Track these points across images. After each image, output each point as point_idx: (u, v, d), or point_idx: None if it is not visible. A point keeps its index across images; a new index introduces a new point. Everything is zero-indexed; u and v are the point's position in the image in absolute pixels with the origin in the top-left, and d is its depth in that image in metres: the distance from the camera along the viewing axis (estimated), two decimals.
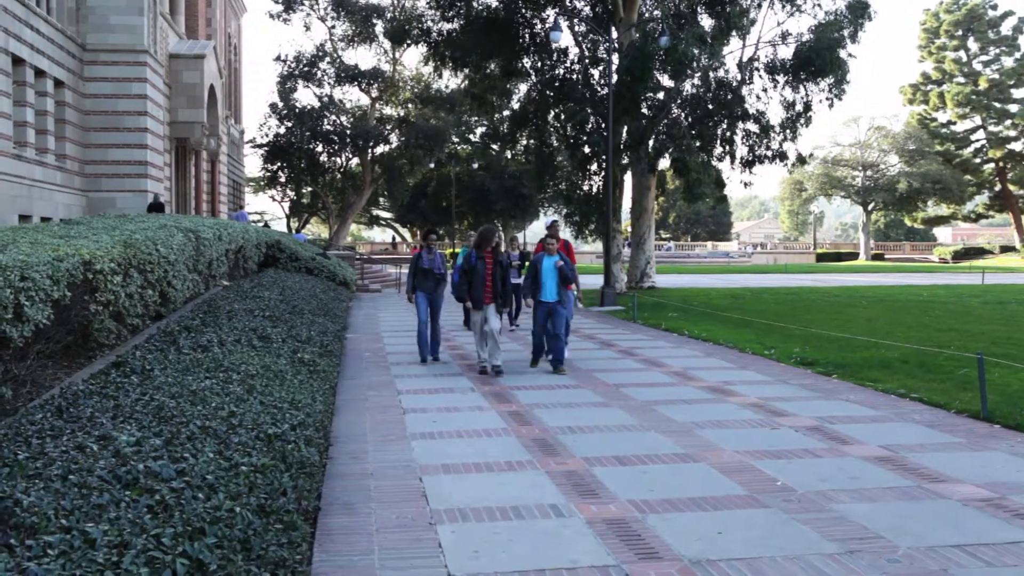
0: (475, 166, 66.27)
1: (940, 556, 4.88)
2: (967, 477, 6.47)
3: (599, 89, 28.46)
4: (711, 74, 28.15)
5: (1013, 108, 76.20)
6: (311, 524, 5.21)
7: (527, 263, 16.32)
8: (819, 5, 28.70)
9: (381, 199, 69.82)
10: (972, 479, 6.41)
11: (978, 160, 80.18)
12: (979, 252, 76.20)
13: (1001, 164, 78.18)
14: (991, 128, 78.38)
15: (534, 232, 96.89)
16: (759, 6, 29.43)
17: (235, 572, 3.53)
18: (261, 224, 42.45)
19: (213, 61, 32.03)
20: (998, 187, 79.62)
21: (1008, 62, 76.93)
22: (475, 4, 28.58)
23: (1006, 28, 77.29)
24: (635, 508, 5.75)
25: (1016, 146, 77.92)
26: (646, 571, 4.67)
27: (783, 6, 28.96)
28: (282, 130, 54.36)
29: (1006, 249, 77.04)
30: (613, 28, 28.30)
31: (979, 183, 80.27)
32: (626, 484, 6.30)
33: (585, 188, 30.02)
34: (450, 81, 53.11)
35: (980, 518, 5.55)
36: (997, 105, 76.77)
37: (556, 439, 7.73)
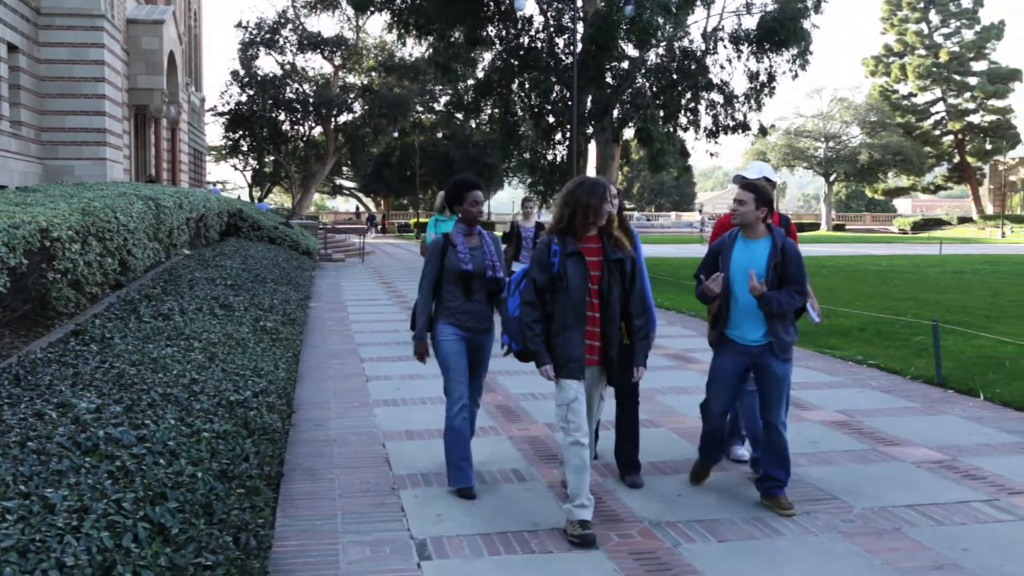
0: (439, 135, 66.00)
1: (893, 516, 5.00)
2: (920, 440, 6.61)
3: (564, 58, 28.34)
4: (676, 44, 28.12)
5: (972, 81, 77.02)
6: (274, 489, 5.22)
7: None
8: None
9: (344, 168, 69.35)
10: (925, 442, 6.56)
11: (938, 132, 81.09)
12: (937, 223, 77.18)
13: (960, 136, 79.14)
14: (951, 100, 79.23)
15: (499, 202, 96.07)
16: None
17: (197, 535, 3.53)
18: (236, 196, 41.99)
19: (172, 27, 31.46)
20: (957, 159, 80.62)
21: (968, 35, 77.64)
22: None
23: (967, 1, 77.92)
24: (596, 472, 5.81)
25: (975, 118, 78.86)
26: (607, 533, 4.73)
27: None
28: (244, 98, 53.75)
29: (964, 220, 78.07)
30: None
31: (938, 155, 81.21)
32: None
33: (549, 158, 29.97)
34: (414, 49, 52.54)
35: (932, 479, 5.68)
36: (957, 78, 77.54)
37: (519, 405, 7.78)
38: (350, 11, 52.77)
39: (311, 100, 53.34)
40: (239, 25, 53.12)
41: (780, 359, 5.17)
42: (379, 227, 65.61)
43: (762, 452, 5.37)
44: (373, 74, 55.90)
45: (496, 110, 31.48)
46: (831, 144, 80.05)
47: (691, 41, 28.50)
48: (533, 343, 4.88)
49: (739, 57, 28.40)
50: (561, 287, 4.84)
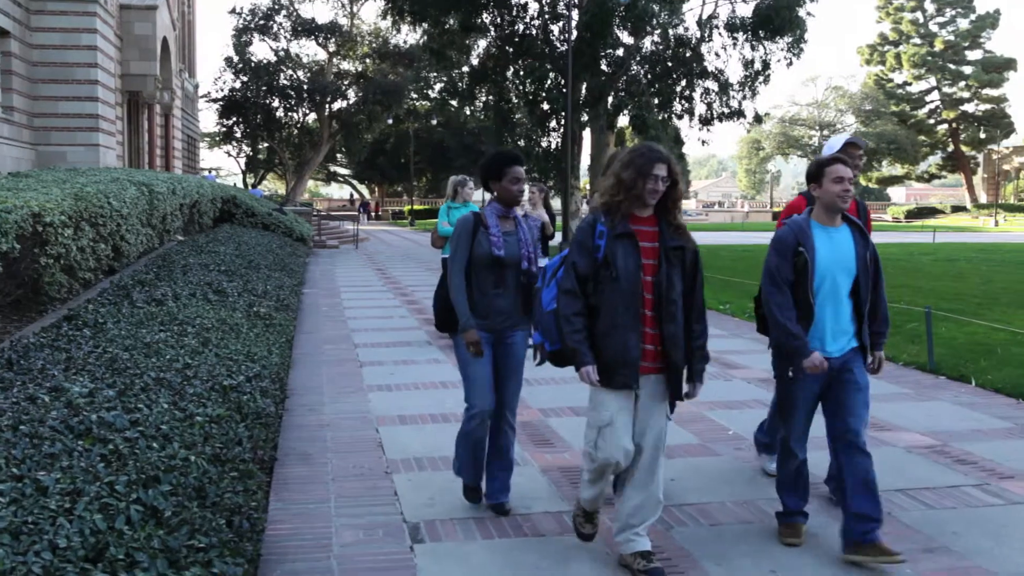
0: (434, 122, 65.84)
1: (885, 500, 4.99)
2: (912, 426, 6.64)
3: (559, 45, 28.29)
4: (671, 31, 28.09)
5: (967, 69, 77.14)
6: (267, 473, 5.22)
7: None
8: None
9: (339, 155, 69.18)
10: (917, 428, 6.58)
11: (932, 121, 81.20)
12: (931, 212, 77.26)
13: (954, 125, 79.25)
14: (945, 89, 79.33)
15: None
16: None
17: (190, 518, 3.53)
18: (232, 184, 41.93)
19: (166, 12, 31.31)
20: (951, 148, 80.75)
21: (963, 23, 77.69)
22: None
23: None
24: None
25: (969, 107, 79.01)
26: (600, 516, 4.74)
27: None
28: (237, 84, 53.57)
29: (957, 209, 78.18)
30: None
31: (932, 144, 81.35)
32: (580, 434, 6.34)
33: (544, 145, 29.95)
34: (408, 36, 52.38)
35: (923, 464, 5.71)
36: (952, 66, 77.64)
37: None
38: None
39: (305, 87, 53.18)
40: (233, 11, 52.92)
41: (861, 372, 4.37)
42: (371, 214, 65.40)
43: (846, 480, 4.27)
44: (367, 61, 55.71)
45: (491, 97, 31.44)
46: (825, 132, 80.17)
47: (686, 29, 28.50)
48: (572, 339, 4.02)
49: (734, 45, 28.38)
50: (608, 276, 3.99)
